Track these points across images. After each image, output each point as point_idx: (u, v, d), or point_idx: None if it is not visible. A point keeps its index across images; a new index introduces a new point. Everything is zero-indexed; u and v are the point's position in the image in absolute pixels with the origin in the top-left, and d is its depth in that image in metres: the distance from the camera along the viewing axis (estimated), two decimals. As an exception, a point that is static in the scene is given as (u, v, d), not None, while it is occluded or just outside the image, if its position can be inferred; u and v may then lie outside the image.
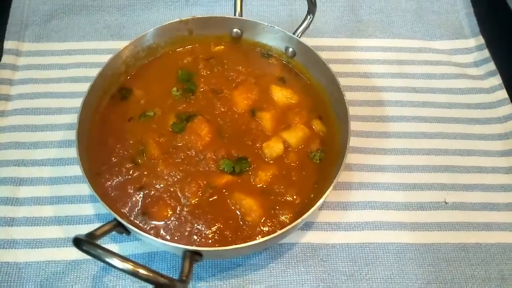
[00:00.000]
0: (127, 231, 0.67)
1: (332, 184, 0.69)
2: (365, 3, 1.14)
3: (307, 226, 0.82)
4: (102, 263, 0.76)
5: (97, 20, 1.07)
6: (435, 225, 0.84)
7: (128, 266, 0.54)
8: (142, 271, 0.55)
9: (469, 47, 1.08)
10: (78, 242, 0.55)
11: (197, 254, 0.63)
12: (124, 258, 0.55)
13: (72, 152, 0.83)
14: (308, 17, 0.85)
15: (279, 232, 0.64)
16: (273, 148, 0.79)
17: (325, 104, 0.85)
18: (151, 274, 0.55)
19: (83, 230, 0.80)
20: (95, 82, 0.77)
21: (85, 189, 0.84)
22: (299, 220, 0.65)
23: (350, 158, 0.90)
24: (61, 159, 0.88)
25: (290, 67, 0.90)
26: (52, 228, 0.81)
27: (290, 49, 0.88)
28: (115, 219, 0.65)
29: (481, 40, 1.08)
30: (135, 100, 0.84)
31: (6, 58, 0.99)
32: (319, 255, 0.80)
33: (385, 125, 0.96)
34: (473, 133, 0.95)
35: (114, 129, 0.80)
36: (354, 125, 0.94)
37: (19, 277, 0.75)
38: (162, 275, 0.56)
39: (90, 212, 0.82)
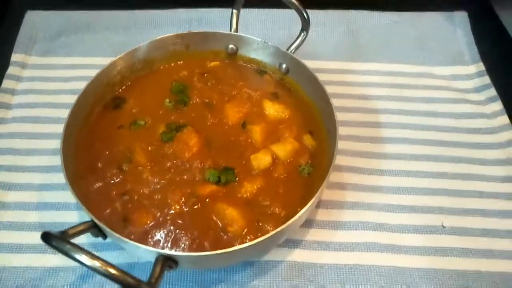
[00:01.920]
0: (103, 235, 0.65)
1: (315, 196, 0.66)
2: (365, 28, 1.16)
3: (295, 243, 0.79)
4: (80, 271, 0.75)
5: (102, 38, 1.11)
6: (431, 250, 0.79)
7: (96, 263, 0.52)
8: (110, 270, 0.53)
9: (470, 74, 1.07)
10: (47, 237, 0.54)
11: (171, 260, 0.61)
12: (93, 256, 0.53)
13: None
14: (302, 34, 0.86)
15: (256, 240, 0.61)
16: (261, 160, 0.78)
17: (316, 121, 0.84)
18: (118, 274, 0.53)
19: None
20: (86, 88, 0.78)
21: (72, 197, 0.83)
22: (279, 228, 0.62)
23: (344, 177, 0.88)
24: (52, 166, 0.88)
25: (284, 83, 0.90)
26: (35, 234, 0.79)
27: (284, 66, 0.88)
28: (91, 220, 0.63)
29: (481, 67, 1.07)
30: (128, 109, 0.85)
31: (11, 70, 1.02)
32: (305, 275, 0.76)
33: (382, 147, 0.93)
34: (473, 158, 0.92)
35: (103, 136, 0.81)
36: (350, 145, 0.93)
37: (-5, 281, 0.74)
38: (130, 276, 0.54)
39: (74, 219, 0.81)
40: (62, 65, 1.05)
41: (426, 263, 0.78)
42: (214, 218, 0.72)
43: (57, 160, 0.87)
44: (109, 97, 0.86)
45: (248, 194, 0.74)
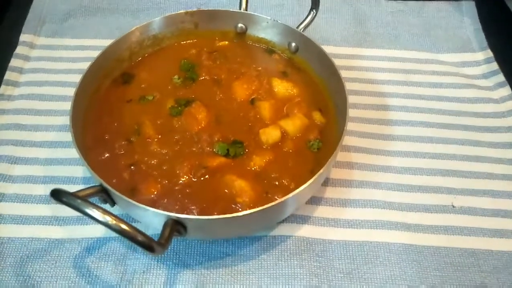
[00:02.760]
0: (111, 201, 0.65)
1: (325, 167, 0.65)
2: (372, 16, 1.16)
3: (303, 219, 0.78)
4: (85, 243, 0.74)
5: (110, 21, 1.11)
6: (441, 228, 0.78)
7: (108, 218, 0.52)
8: (122, 226, 0.52)
9: (477, 60, 1.07)
10: (56, 193, 0.53)
11: (180, 225, 0.60)
12: (105, 211, 0.52)
13: (70, 136, 0.83)
14: (312, 12, 0.86)
15: (265, 206, 0.60)
16: (270, 134, 0.77)
17: (325, 98, 0.84)
18: (130, 230, 0.52)
19: (71, 210, 0.78)
20: (96, 61, 0.78)
21: (79, 171, 0.83)
22: (289, 195, 0.61)
23: (352, 157, 0.87)
24: (58, 142, 0.87)
25: (293, 62, 0.90)
26: (41, 206, 0.79)
27: (293, 44, 0.88)
28: (100, 184, 0.63)
29: (489, 53, 1.07)
30: (136, 84, 0.85)
31: (20, 49, 1.02)
32: (314, 250, 0.75)
33: (390, 129, 0.93)
34: (482, 141, 0.91)
35: (111, 109, 0.81)
36: (357, 126, 0.93)
37: (0, 251, 0.72)
38: (141, 233, 0.53)
39: (80, 193, 0.80)
40: (70, 46, 1.06)
41: (436, 241, 0.77)
42: (223, 189, 0.71)
43: (63, 136, 0.88)
44: (118, 72, 0.86)
45: (257, 167, 0.74)
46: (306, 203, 0.79)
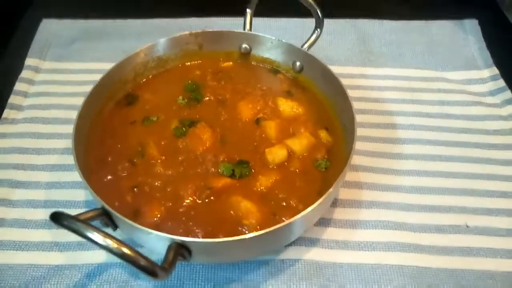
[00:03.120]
0: (113, 224, 0.62)
1: (334, 185, 0.63)
2: (376, 36, 1.16)
3: (312, 242, 0.75)
4: (86, 269, 0.72)
5: (116, 45, 1.11)
6: (456, 250, 0.75)
7: (109, 242, 0.49)
8: (124, 250, 0.49)
9: (483, 78, 1.06)
10: (57, 216, 0.51)
11: (185, 248, 0.57)
12: (106, 234, 0.50)
13: (72, 159, 0.82)
14: (316, 31, 0.86)
15: (273, 227, 0.58)
16: (276, 153, 0.75)
17: (331, 117, 0.83)
18: (132, 254, 0.49)
19: (72, 235, 0.75)
20: (99, 83, 0.78)
21: (81, 195, 0.81)
22: (301, 214, 0.59)
23: (361, 176, 0.85)
24: (60, 165, 0.86)
25: (297, 82, 0.90)
26: (41, 231, 0.76)
27: (298, 63, 0.88)
28: (101, 207, 0.61)
29: (495, 71, 1.06)
30: (140, 106, 0.84)
31: (24, 73, 1.02)
32: (324, 275, 0.71)
33: (398, 147, 0.91)
34: (494, 158, 0.89)
35: (115, 131, 0.80)
36: (364, 146, 0.91)
37: (-3, 279, 0.70)
38: (144, 257, 0.50)
39: (82, 217, 0.78)
40: (75, 70, 1.06)
41: (452, 263, 0.73)
42: (229, 211, 0.68)
43: (65, 159, 0.87)
44: (122, 94, 0.85)
45: (263, 187, 0.72)
46: (314, 225, 0.77)
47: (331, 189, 0.63)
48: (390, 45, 1.14)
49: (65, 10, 1.18)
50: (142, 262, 0.49)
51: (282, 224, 0.59)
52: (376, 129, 0.94)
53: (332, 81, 0.80)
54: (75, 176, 0.79)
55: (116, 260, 0.72)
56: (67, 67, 1.07)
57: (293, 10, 1.16)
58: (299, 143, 0.77)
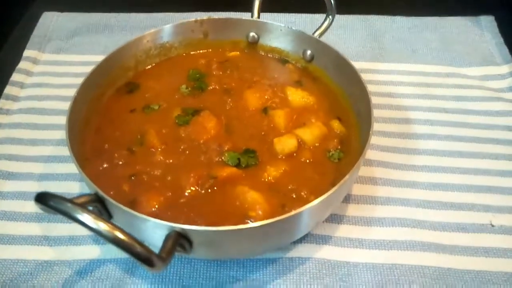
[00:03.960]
0: (107, 212, 0.57)
1: (349, 174, 0.58)
2: (387, 32, 1.12)
3: (323, 239, 0.69)
4: (77, 265, 0.66)
5: (118, 38, 1.07)
6: (481, 250, 0.69)
7: (102, 225, 0.44)
8: (118, 235, 0.44)
9: (503, 73, 1.01)
10: (42, 197, 0.46)
11: (184, 239, 0.52)
12: (98, 217, 0.44)
13: (68, 151, 0.77)
14: (328, 18, 0.82)
15: (283, 216, 0.52)
16: (286, 143, 0.70)
17: (344, 107, 0.78)
18: (127, 240, 0.44)
19: (64, 229, 0.71)
20: (98, 68, 0.73)
21: (75, 186, 0.76)
22: (313, 203, 0.53)
23: (375, 172, 0.80)
24: (55, 156, 0.81)
25: (308, 72, 0.85)
26: (30, 225, 0.71)
27: (308, 52, 0.83)
28: (95, 193, 0.55)
29: (515, 66, 1.01)
30: (141, 94, 0.80)
31: (22, 64, 0.99)
32: (337, 274, 0.65)
33: (414, 142, 0.86)
34: (517, 155, 0.83)
35: (113, 118, 0.75)
36: (379, 140, 0.86)
37: (-20, 275, 0.64)
38: (140, 244, 0.45)
39: (76, 211, 0.72)
40: (75, 62, 1.02)
41: (477, 264, 0.67)
42: (234, 202, 0.63)
43: (61, 150, 0.82)
44: (122, 81, 0.81)
45: (271, 177, 0.66)
46: (326, 222, 0.71)
47: (347, 176, 0.57)
48: (403, 41, 1.10)
49: (69, 5, 1.15)
50: (138, 248, 0.44)
51: (292, 213, 0.53)
52: (390, 124, 0.89)
53: (345, 68, 0.75)
54: (71, 167, 0.75)
55: (110, 255, 0.67)
56: (66, 59, 1.03)
57: (301, 6, 1.14)
58: (310, 133, 0.72)
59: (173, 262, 0.65)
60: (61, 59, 1.03)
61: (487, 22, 1.12)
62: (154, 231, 0.53)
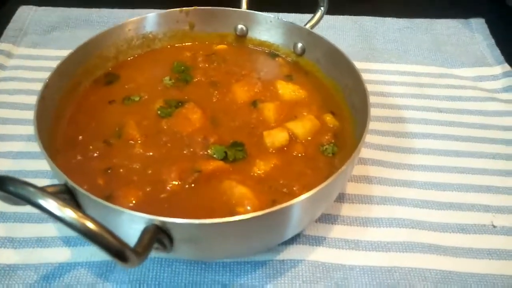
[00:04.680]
0: (78, 205, 0.51)
1: (347, 163, 0.53)
2: (378, 33, 1.10)
3: (316, 241, 0.64)
4: (44, 270, 0.59)
5: (99, 34, 1.02)
6: (484, 252, 0.65)
7: (69, 213, 0.37)
8: (88, 224, 0.38)
9: (495, 74, 0.99)
10: (0, 182, 0.39)
11: (164, 234, 0.46)
12: (65, 204, 0.38)
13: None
14: (320, 10, 0.78)
15: (277, 207, 0.47)
16: (276, 136, 0.65)
17: (337, 101, 0.74)
18: (98, 230, 0.38)
19: (31, 229, 0.64)
20: (73, 54, 0.68)
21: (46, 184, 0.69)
22: (306, 195, 0.48)
23: (370, 170, 0.75)
24: (25, 152, 0.75)
25: (299, 66, 0.81)
26: (-8, 226, 0.64)
27: (299, 45, 0.80)
28: (65, 183, 0.49)
29: (507, 67, 0.99)
30: (121, 85, 0.74)
31: (-5, 58, 0.92)
32: (333, 278, 0.60)
33: (409, 141, 0.82)
34: (513, 155, 0.80)
35: (89, 109, 0.69)
36: (373, 139, 0.82)
37: None
38: (113, 235, 0.39)
39: (45, 210, 0.66)
40: (51, 57, 0.96)
41: (481, 267, 0.63)
42: (220, 197, 0.57)
43: (31, 146, 0.76)
44: (100, 72, 0.76)
45: (261, 172, 0.61)
46: (319, 222, 0.66)
47: (344, 167, 0.52)
48: (394, 42, 1.08)
49: (49, 1, 1.10)
50: (109, 239, 0.38)
51: (283, 205, 0.48)
52: (384, 123, 0.86)
53: (339, 59, 0.72)
54: (42, 164, 0.69)
55: (82, 258, 0.61)
56: (42, 53, 0.97)
57: (291, 5, 1.11)
58: (302, 126, 0.67)
59: (152, 265, 0.59)
60: (36, 54, 0.97)
61: (478, 25, 1.12)
62: (130, 226, 0.47)
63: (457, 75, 0.99)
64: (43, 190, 0.38)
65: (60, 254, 0.61)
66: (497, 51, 1.04)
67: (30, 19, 1.04)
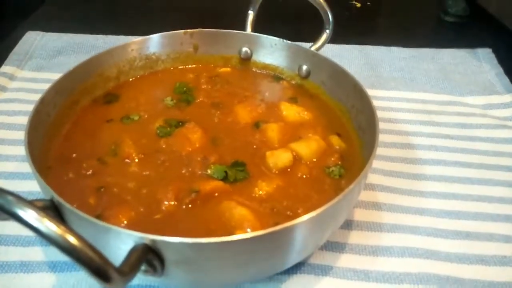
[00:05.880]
0: (63, 220, 0.47)
1: (354, 182, 0.50)
2: (384, 61, 1.09)
3: (323, 270, 0.59)
4: None
5: (105, 59, 1.02)
6: (507, 286, 0.59)
7: (48, 224, 0.34)
8: (69, 238, 0.34)
9: (505, 102, 0.96)
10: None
11: (154, 254, 0.42)
12: (43, 213, 0.34)
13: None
14: (325, 32, 0.77)
15: (280, 226, 0.43)
16: (279, 157, 0.62)
17: (343, 123, 0.71)
18: (80, 245, 0.34)
19: (14, 253, 0.60)
20: (72, 72, 0.67)
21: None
22: (313, 213, 0.44)
23: (379, 196, 0.71)
24: (18, 173, 0.72)
25: (304, 89, 0.79)
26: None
27: (304, 67, 0.78)
28: (51, 198, 0.46)
29: (517, 96, 0.97)
30: (120, 105, 0.72)
31: (-3, 80, 0.92)
32: (340, 312, 0.54)
33: (419, 168, 0.78)
34: (531, 183, 0.76)
35: (86, 128, 0.67)
36: (381, 164, 0.78)
37: None
38: (95, 251, 0.35)
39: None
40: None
41: (505, 303, 0.57)
42: (219, 219, 0.53)
43: (25, 167, 0.73)
44: (100, 92, 0.74)
45: (263, 193, 0.57)
46: (325, 250, 0.61)
47: (352, 186, 0.49)
48: (400, 70, 1.06)
49: (57, 28, 1.11)
50: (90, 254, 0.34)
51: (286, 225, 0.44)
52: (392, 149, 0.82)
53: (345, 81, 0.70)
54: (34, 185, 0.66)
55: (67, 285, 0.56)
56: (46, 77, 0.96)
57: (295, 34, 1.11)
58: (307, 146, 0.64)
59: (141, 293, 0.54)
60: (40, 77, 0.96)
61: (485, 54, 1.11)
62: (118, 246, 0.43)
63: (466, 103, 0.97)
64: (22, 199, 0.35)
65: (45, 281, 0.56)
66: (506, 80, 1.02)
67: (37, 44, 1.05)
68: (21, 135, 0.78)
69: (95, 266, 0.34)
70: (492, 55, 1.10)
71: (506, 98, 0.97)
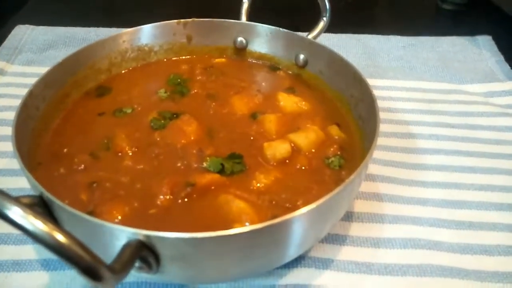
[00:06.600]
0: (55, 219, 0.45)
1: (355, 173, 0.48)
2: (383, 51, 1.07)
3: (324, 263, 0.57)
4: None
5: (97, 52, 1.00)
6: (511, 276, 0.58)
7: (33, 221, 0.32)
8: (55, 234, 0.32)
9: (506, 90, 0.94)
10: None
11: (149, 251, 0.40)
12: (29, 209, 0.33)
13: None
14: (322, 20, 0.75)
15: (279, 219, 0.41)
16: (277, 148, 0.60)
17: (342, 113, 0.69)
18: (66, 242, 0.32)
19: (6, 252, 0.58)
20: (62, 64, 0.65)
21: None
22: (314, 205, 0.42)
23: (380, 187, 0.70)
24: (8, 170, 0.70)
25: (301, 79, 0.77)
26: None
27: (301, 56, 0.76)
28: (40, 194, 0.44)
29: (519, 83, 0.95)
30: (112, 97, 0.70)
31: (-14, 75, 0.89)
32: (342, 306, 0.53)
33: (420, 157, 0.77)
34: (534, 171, 0.75)
35: (77, 122, 0.65)
36: (381, 155, 0.76)
37: None
38: (85, 249, 0.33)
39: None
40: (46, 74, 0.93)
41: (512, 294, 0.55)
42: (216, 212, 0.52)
43: (15, 164, 0.70)
44: (92, 84, 0.72)
45: (261, 185, 0.56)
46: (326, 242, 0.60)
47: (352, 176, 0.47)
48: (399, 59, 1.05)
49: (49, 21, 1.08)
50: (79, 252, 0.32)
51: (285, 217, 0.42)
52: (392, 138, 0.80)
53: (344, 69, 0.68)
54: (26, 182, 0.64)
55: (61, 285, 0.54)
56: (37, 71, 0.93)
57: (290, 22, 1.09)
58: (306, 137, 0.62)
59: (136, 290, 0.53)
60: (31, 71, 0.94)
61: (485, 41, 1.09)
62: (111, 243, 0.41)
63: (467, 91, 0.95)
64: (6, 195, 0.33)
65: (38, 279, 0.55)
66: (507, 67, 1.00)
67: (26, 38, 1.02)
68: (11, 130, 0.77)
69: (85, 265, 0.32)
70: (492, 42, 1.08)
71: (508, 85, 0.96)
